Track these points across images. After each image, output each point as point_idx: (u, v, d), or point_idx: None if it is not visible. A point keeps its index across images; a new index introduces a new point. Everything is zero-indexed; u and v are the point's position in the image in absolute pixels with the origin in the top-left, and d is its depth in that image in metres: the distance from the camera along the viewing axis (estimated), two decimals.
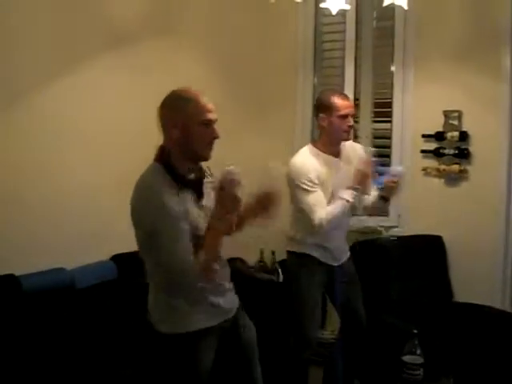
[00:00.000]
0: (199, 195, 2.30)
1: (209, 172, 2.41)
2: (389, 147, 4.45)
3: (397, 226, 4.42)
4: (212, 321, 2.34)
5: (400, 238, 4.24)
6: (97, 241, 3.78)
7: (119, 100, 3.81)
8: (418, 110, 4.34)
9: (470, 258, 4.12)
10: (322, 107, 3.27)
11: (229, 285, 2.48)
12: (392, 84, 4.43)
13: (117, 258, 3.97)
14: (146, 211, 2.14)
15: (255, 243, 4.38)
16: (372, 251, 4.07)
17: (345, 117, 3.21)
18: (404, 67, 4.37)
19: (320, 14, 4.68)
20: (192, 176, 2.30)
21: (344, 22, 4.58)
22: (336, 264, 3.43)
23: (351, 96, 4.28)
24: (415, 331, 2.79)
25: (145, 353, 2.52)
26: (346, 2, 3.43)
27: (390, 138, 4.49)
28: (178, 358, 2.29)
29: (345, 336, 3.57)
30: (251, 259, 4.64)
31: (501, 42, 4.02)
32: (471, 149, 4.19)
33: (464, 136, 4.17)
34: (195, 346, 2.29)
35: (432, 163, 4.31)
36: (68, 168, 3.66)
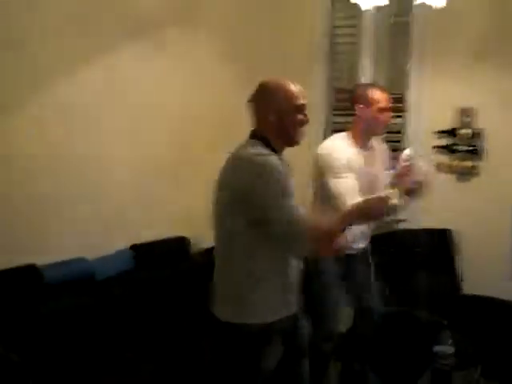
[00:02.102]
0: None
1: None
2: (399, 141, 4.59)
3: (407, 220, 4.53)
4: (282, 313, 2.43)
5: (411, 231, 4.38)
6: (115, 230, 3.87)
7: (147, 88, 3.89)
8: (431, 105, 4.48)
9: (480, 251, 4.31)
10: (361, 98, 3.33)
11: (297, 283, 2.55)
12: (406, 79, 4.55)
13: (135, 248, 4.06)
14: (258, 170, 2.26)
15: None
16: (389, 244, 4.21)
17: (384, 110, 3.30)
18: (420, 63, 4.55)
19: (336, 7, 4.78)
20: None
21: (360, 16, 4.69)
22: (353, 252, 3.46)
23: None
24: (445, 322, 2.92)
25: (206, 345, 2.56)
26: None
27: (401, 132, 4.61)
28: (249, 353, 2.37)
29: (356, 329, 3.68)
30: None
31: None
32: (484, 146, 4.37)
33: (477, 133, 4.34)
34: (269, 339, 2.38)
35: (444, 159, 4.47)
36: (89, 158, 3.75)
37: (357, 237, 3.40)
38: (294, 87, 2.41)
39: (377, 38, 4.74)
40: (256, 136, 2.43)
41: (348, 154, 3.28)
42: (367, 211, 2.37)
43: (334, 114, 4.98)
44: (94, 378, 3.15)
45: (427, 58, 4.52)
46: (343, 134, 3.41)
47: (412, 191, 3.23)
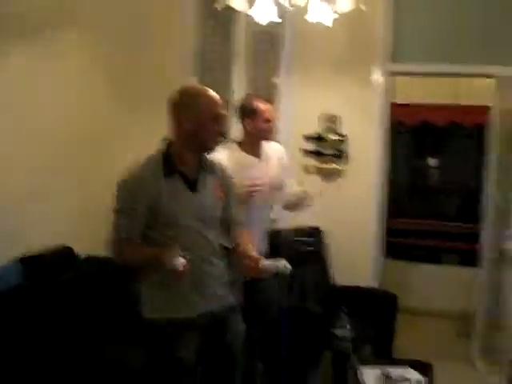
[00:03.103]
0: (191, 185, 2.58)
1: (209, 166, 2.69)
2: None
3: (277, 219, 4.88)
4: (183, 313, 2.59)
5: (285, 230, 4.74)
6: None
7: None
8: (300, 113, 4.90)
9: (346, 245, 4.81)
10: (247, 110, 3.58)
11: (216, 289, 2.67)
12: (276, 89, 4.94)
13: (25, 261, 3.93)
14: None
15: None
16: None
17: (268, 120, 3.61)
18: (288, 73, 4.94)
19: (207, 14, 5.03)
20: (187, 168, 2.60)
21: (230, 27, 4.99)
22: None
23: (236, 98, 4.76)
24: (344, 307, 3.30)
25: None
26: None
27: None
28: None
29: None
30: None
31: (372, 57, 4.87)
32: (348, 150, 4.89)
33: (341, 138, 4.86)
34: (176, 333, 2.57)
35: (312, 162, 4.93)
36: None
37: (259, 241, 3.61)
38: (214, 96, 2.58)
39: (248, 49, 5.03)
40: (164, 147, 2.60)
41: (237, 163, 3.44)
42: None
43: None
44: None
45: (295, 69, 4.94)
46: (233, 145, 3.64)
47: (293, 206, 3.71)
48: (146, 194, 2.49)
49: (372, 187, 4.93)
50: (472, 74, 5.08)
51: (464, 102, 6.40)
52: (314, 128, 4.95)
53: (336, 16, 3.63)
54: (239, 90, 5.00)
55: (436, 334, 5.54)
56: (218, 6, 3.65)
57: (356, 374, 3.22)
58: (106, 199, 2.64)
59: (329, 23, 3.72)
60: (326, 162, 4.94)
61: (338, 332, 3.35)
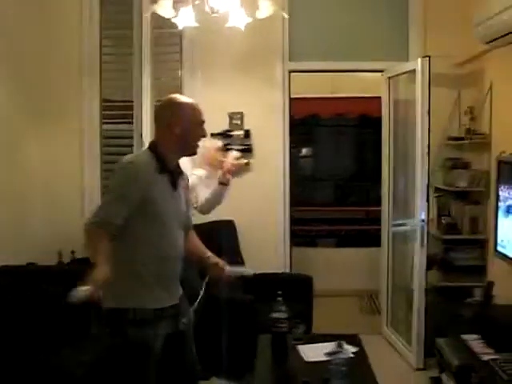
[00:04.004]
0: (174, 185, 2.81)
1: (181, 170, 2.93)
2: None
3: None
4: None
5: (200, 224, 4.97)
6: None
7: None
8: (206, 112, 5.10)
9: (257, 235, 5.12)
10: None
11: (178, 285, 2.91)
12: (180, 88, 5.14)
13: None
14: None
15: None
16: None
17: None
18: (191, 73, 5.19)
19: (104, 19, 5.14)
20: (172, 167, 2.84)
21: (131, 28, 5.13)
22: None
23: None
24: (280, 292, 3.58)
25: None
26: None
27: None
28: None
29: None
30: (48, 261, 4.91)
31: (275, 57, 5.23)
32: (253, 145, 5.18)
33: (247, 134, 5.14)
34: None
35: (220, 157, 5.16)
36: None
37: None
38: (197, 105, 2.84)
39: (150, 48, 5.18)
40: (151, 148, 2.79)
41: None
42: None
43: (104, 123, 5.31)
44: None
45: (198, 68, 5.19)
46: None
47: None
48: (142, 183, 2.63)
49: (277, 178, 5.27)
50: (362, 69, 5.54)
51: (354, 94, 6.94)
52: (222, 125, 5.20)
53: (250, 20, 3.86)
54: (145, 90, 5.15)
55: (345, 311, 6.03)
56: (147, 14, 3.78)
57: (296, 351, 3.52)
58: None
59: (242, 27, 3.96)
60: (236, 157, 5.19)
61: (276, 315, 3.59)
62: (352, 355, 3.20)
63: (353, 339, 3.62)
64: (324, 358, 3.41)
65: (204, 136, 2.88)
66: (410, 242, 4.84)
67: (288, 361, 3.48)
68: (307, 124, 7.71)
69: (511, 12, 3.64)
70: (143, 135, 5.17)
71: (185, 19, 3.87)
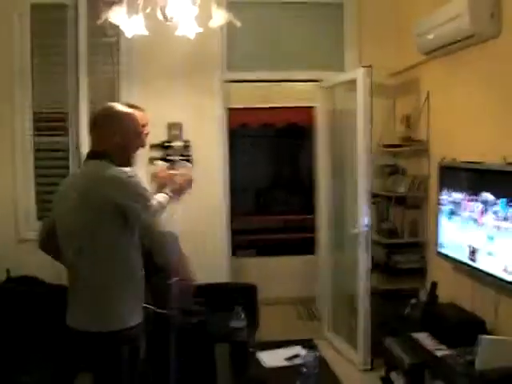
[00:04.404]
0: None
1: None
2: None
3: None
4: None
5: None
6: None
7: None
8: None
9: (199, 246, 5.12)
10: None
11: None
12: (117, 97, 5.10)
13: None
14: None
15: None
16: None
17: (143, 126, 3.80)
18: (129, 82, 5.14)
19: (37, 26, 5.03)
20: None
21: (65, 37, 5.05)
22: None
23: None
24: (239, 301, 3.64)
25: None
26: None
27: None
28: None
29: None
30: None
31: (212, 68, 5.27)
32: (193, 156, 5.20)
33: (186, 145, 5.16)
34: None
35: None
36: None
37: None
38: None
39: (86, 58, 5.11)
40: (101, 156, 2.73)
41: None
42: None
43: (37, 135, 5.19)
44: None
45: (136, 78, 5.15)
46: None
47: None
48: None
49: (217, 188, 5.31)
50: (298, 79, 5.67)
51: (288, 104, 7.09)
52: (162, 136, 5.19)
53: (201, 30, 3.88)
54: (81, 101, 5.08)
55: (284, 319, 6.11)
56: (99, 22, 3.73)
57: (255, 359, 3.57)
58: None
59: (192, 36, 3.97)
60: (174, 168, 5.19)
61: (235, 324, 3.63)
62: (311, 359, 3.26)
63: (308, 344, 3.69)
64: (285, 363, 3.52)
65: (142, 146, 2.94)
66: (350, 248, 5.00)
67: (250, 368, 3.54)
68: (235, 135, 7.79)
69: (451, 25, 3.85)
70: (80, 147, 5.07)
71: (134, 27, 3.84)
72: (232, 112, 5.68)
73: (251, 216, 7.97)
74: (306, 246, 6.53)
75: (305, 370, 3.14)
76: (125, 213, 2.60)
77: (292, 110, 7.23)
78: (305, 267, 6.39)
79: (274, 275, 6.52)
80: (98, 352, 2.65)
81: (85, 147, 4.95)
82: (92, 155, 2.76)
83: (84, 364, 2.87)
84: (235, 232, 7.14)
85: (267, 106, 7.20)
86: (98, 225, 2.60)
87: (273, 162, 8.44)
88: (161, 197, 2.99)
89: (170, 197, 3.13)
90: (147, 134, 3.81)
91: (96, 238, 2.60)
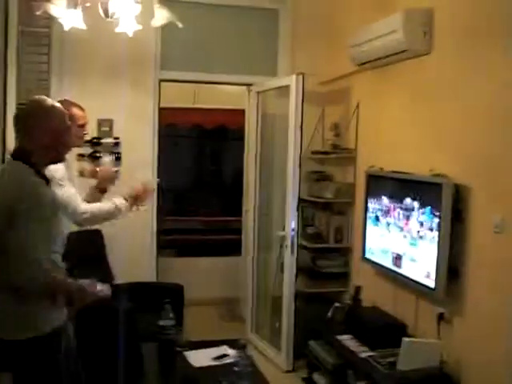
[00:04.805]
0: None
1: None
2: None
3: None
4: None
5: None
6: None
7: None
8: None
9: (127, 246, 5.12)
10: None
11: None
12: (47, 92, 4.99)
13: None
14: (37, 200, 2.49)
15: None
16: None
17: (82, 126, 3.77)
18: (60, 78, 5.06)
19: None
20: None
21: None
22: None
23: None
24: (168, 300, 3.66)
25: None
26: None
27: None
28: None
29: None
30: None
31: (147, 67, 5.30)
32: (122, 153, 5.17)
33: (117, 142, 5.14)
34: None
35: (87, 166, 5.08)
36: None
37: None
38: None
39: (15, 48, 4.98)
40: (23, 157, 2.58)
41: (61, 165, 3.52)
42: (72, 295, 2.59)
43: None
44: None
45: (68, 72, 5.08)
46: None
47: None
48: (51, 199, 2.58)
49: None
50: (231, 82, 5.75)
51: (218, 106, 7.13)
52: (91, 132, 5.11)
53: (140, 27, 3.87)
54: (9, 94, 4.95)
55: (207, 319, 6.10)
56: (39, 12, 3.66)
57: (183, 357, 3.60)
58: None
59: (131, 34, 3.95)
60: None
61: (163, 322, 3.63)
62: (239, 358, 3.31)
63: (237, 343, 3.74)
64: (213, 363, 3.55)
65: (75, 146, 3.00)
66: (276, 251, 5.09)
67: (177, 367, 3.55)
68: (162, 135, 7.77)
69: (385, 39, 4.01)
70: (6, 143, 4.93)
71: (73, 21, 3.79)
72: (161, 111, 5.67)
73: (174, 216, 7.95)
74: (230, 248, 6.58)
75: (236, 368, 3.18)
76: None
77: (222, 112, 7.30)
78: (229, 269, 6.43)
79: (198, 276, 6.51)
80: (15, 360, 2.54)
81: (11, 143, 4.84)
82: (14, 155, 2.61)
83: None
84: (164, 232, 7.16)
85: (196, 106, 7.23)
86: (5, 228, 2.43)
87: (199, 164, 8.47)
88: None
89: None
90: (85, 134, 3.80)
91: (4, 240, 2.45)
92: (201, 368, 3.47)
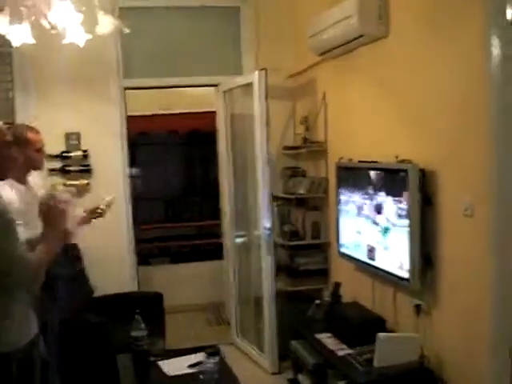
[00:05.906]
0: None
1: None
2: None
3: None
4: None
5: None
6: None
7: None
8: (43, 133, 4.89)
9: (103, 257, 4.98)
10: (18, 140, 3.34)
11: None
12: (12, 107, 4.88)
13: None
14: None
15: None
16: None
17: (39, 150, 3.62)
18: (24, 92, 4.96)
19: None
20: None
21: None
22: None
23: None
24: (138, 311, 3.52)
25: None
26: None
27: None
28: None
29: None
30: None
31: (110, 75, 5.19)
32: (92, 165, 5.04)
33: (85, 154, 5.01)
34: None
35: (59, 180, 4.97)
36: None
37: None
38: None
39: None
40: None
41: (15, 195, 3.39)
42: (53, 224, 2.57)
43: None
44: None
45: (32, 88, 4.98)
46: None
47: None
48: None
49: (118, 198, 5.11)
50: (197, 84, 5.62)
51: (189, 109, 6.99)
52: (60, 147, 5.00)
53: (90, 37, 3.72)
54: None
55: (193, 325, 6.02)
56: None
57: (157, 367, 3.47)
58: None
59: (81, 44, 3.81)
60: (73, 179, 5.02)
61: (135, 333, 3.51)
62: (214, 365, 3.19)
63: (212, 350, 3.61)
64: (188, 371, 3.43)
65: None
66: (255, 252, 4.95)
67: (151, 378, 3.44)
68: (136, 143, 7.65)
69: (341, 25, 3.87)
70: None
71: (21, 36, 3.66)
72: (132, 120, 5.54)
73: (163, 224, 7.86)
74: (214, 252, 6.46)
75: (202, 376, 3.07)
76: None
77: (194, 116, 7.14)
78: (213, 273, 6.30)
79: (185, 282, 6.42)
80: None
81: None
82: None
83: None
84: (147, 241, 7.04)
85: (167, 112, 7.09)
86: None
87: (181, 169, 8.35)
88: None
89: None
90: (43, 156, 3.65)
91: None
92: (173, 377, 3.35)
